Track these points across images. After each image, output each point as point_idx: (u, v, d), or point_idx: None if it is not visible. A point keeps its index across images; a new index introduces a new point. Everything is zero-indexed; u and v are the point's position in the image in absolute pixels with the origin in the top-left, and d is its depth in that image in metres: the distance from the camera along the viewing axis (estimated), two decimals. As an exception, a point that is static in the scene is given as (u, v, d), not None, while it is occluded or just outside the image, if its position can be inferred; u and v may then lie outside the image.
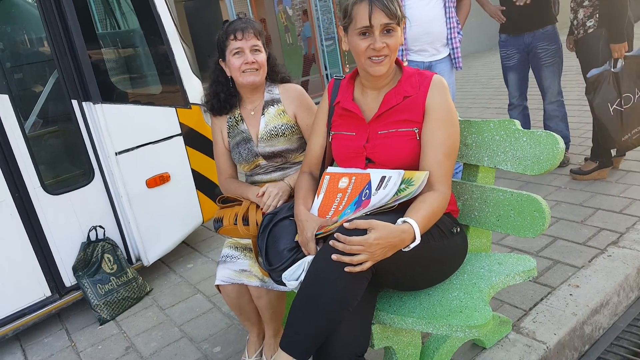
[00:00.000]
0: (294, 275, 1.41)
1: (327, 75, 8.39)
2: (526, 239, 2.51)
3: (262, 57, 1.78)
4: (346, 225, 1.20)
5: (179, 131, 2.82)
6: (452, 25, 2.90)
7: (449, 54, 2.98)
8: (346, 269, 1.18)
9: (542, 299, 2.04)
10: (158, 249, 2.80)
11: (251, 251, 1.77)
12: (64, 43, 2.38)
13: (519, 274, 1.47)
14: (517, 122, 1.49)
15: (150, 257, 2.76)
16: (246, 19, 1.80)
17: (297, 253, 1.46)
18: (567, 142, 3.37)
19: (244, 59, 1.74)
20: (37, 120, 2.59)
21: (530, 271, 1.48)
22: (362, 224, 1.18)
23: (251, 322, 1.90)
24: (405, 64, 2.93)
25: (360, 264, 1.18)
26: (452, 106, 1.44)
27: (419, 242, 1.23)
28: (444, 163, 1.38)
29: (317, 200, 1.56)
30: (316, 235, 1.41)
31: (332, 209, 1.49)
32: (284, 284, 1.45)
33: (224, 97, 1.86)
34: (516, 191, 1.50)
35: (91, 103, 2.46)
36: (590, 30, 2.87)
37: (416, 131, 1.43)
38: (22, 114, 2.34)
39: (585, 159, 3.17)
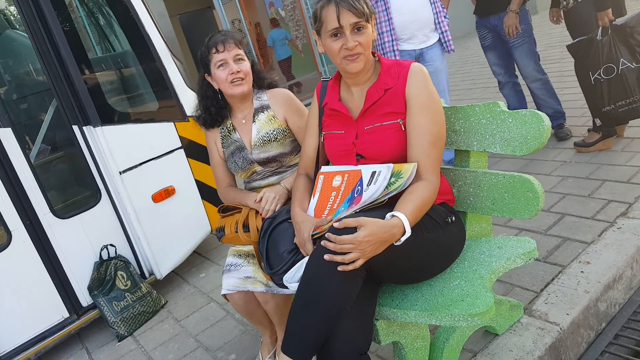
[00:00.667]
0: (295, 277, 1.43)
1: (325, 71, 8.41)
2: (534, 218, 2.49)
3: (246, 65, 1.81)
4: (336, 224, 1.22)
5: (180, 144, 2.87)
6: (437, 9, 2.91)
7: (439, 39, 2.98)
8: (339, 268, 1.19)
9: (553, 279, 2.02)
10: (170, 261, 2.85)
11: (254, 257, 1.80)
12: (59, 72, 2.44)
13: (519, 257, 1.47)
14: (502, 104, 1.48)
15: (162, 270, 2.81)
16: (225, 31, 1.84)
17: (296, 255, 1.48)
18: (561, 116, 3.34)
19: (229, 69, 1.77)
20: (42, 149, 2.66)
21: (531, 252, 1.47)
22: (351, 222, 1.20)
23: (263, 325, 1.94)
24: (397, 54, 2.93)
25: (353, 262, 1.19)
26: (434, 92, 1.44)
27: (409, 234, 1.23)
28: (431, 151, 1.39)
29: (313, 201, 1.57)
30: (313, 235, 1.42)
31: (328, 208, 1.51)
32: (287, 287, 1.47)
33: (214, 110, 1.89)
34: (508, 173, 1.49)
35: (91, 127, 2.52)
36: None
37: (401, 122, 1.43)
38: (26, 144, 2.41)
39: (588, 130, 3.12)
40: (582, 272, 2.02)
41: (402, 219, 1.23)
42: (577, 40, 2.78)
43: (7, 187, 2.30)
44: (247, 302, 1.80)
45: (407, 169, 1.37)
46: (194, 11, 12.64)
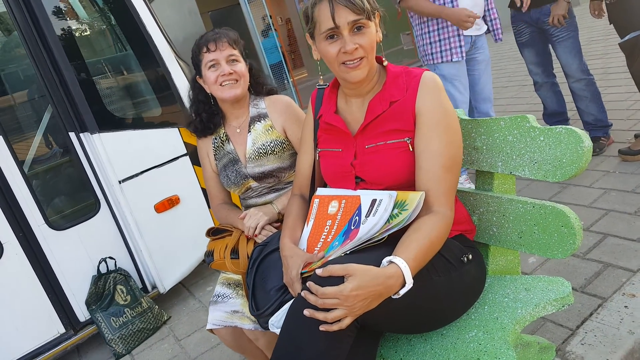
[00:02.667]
0: (281, 322, 1.22)
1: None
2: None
3: (241, 66, 1.61)
4: (318, 272, 1.00)
5: (185, 151, 2.71)
6: None
7: (487, 27, 2.78)
8: (321, 327, 0.97)
9: (591, 314, 1.75)
10: (173, 274, 2.70)
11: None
12: (53, 76, 2.32)
13: (550, 303, 1.21)
14: (532, 118, 1.22)
15: (166, 284, 2.67)
16: (219, 30, 1.63)
17: (285, 294, 1.28)
18: (603, 126, 2.96)
19: (220, 70, 1.58)
20: (36, 157, 2.55)
21: (565, 298, 1.22)
22: (337, 269, 0.97)
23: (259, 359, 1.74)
24: (462, 39, 2.62)
25: (339, 320, 0.97)
26: (449, 107, 1.20)
27: (411, 286, 1.00)
28: (444, 178, 1.15)
29: (307, 229, 1.36)
30: (302, 273, 1.21)
31: (321, 240, 1.29)
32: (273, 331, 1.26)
33: (206, 116, 1.70)
34: (538, 202, 1.23)
35: (88, 133, 2.39)
36: None
37: (408, 141, 1.20)
38: (19, 152, 2.30)
39: (635, 136, 2.78)
40: (626, 307, 1.74)
41: (402, 267, 1.00)
42: (632, 36, 2.44)
43: (-2, 197, 2.20)
44: (237, 338, 1.61)
45: (413, 199, 1.13)
46: (224, 8, 12.58)
